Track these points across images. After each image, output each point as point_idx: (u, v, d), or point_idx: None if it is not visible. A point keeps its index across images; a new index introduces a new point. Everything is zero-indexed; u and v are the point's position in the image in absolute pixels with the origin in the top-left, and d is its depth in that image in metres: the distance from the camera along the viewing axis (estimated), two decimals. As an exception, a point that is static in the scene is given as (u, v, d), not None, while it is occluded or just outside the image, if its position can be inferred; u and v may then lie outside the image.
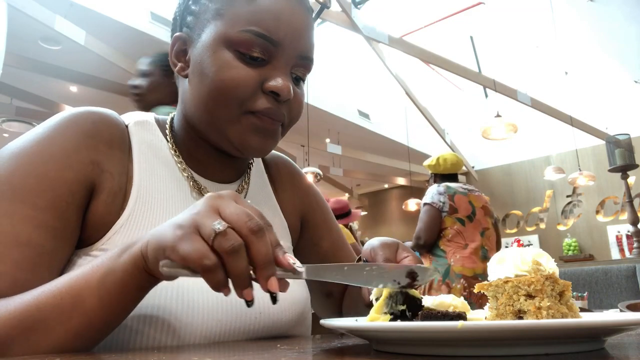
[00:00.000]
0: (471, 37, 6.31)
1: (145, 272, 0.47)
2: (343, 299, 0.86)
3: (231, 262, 0.42)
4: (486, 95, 6.87)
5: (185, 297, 0.58)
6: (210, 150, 0.70)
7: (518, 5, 5.68)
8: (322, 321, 0.49)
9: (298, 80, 0.67)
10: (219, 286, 0.43)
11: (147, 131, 0.69)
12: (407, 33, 5.91)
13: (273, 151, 0.89)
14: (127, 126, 0.67)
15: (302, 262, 0.88)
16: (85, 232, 0.59)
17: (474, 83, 5.77)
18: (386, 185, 10.99)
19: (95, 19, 4.64)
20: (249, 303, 0.44)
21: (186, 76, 0.67)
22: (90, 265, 0.49)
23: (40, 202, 0.55)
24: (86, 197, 0.60)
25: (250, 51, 0.61)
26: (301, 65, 0.66)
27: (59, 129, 0.60)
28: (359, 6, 5.41)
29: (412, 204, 7.74)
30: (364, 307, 0.78)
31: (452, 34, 6.15)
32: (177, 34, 0.68)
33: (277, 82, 0.62)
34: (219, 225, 0.42)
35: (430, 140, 7.90)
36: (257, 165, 0.82)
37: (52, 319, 0.47)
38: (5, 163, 0.57)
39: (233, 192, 0.47)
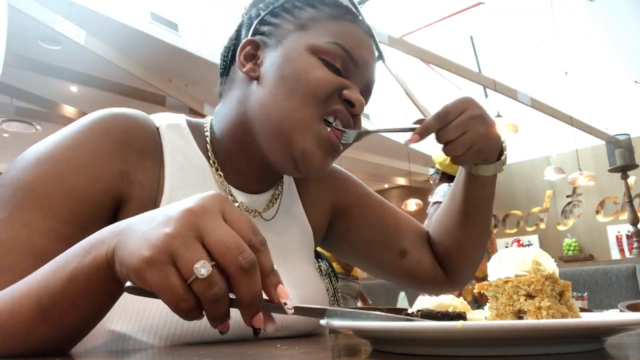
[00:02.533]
0: (471, 37, 6.31)
1: (112, 279, 0.41)
2: (423, 249, 0.85)
3: (211, 308, 0.37)
4: (486, 95, 6.87)
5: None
6: (254, 160, 0.69)
7: (518, 5, 5.68)
8: (322, 321, 0.49)
9: None
10: (190, 319, 0.38)
11: (179, 136, 0.67)
12: (407, 33, 5.91)
13: None
14: (158, 128, 0.66)
15: (358, 239, 0.87)
16: None
17: (474, 83, 5.77)
18: (386, 185, 10.99)
19: (95, 19, 4.64)
20: (223, 333, 0.39)
21: (255, 77, 0.66)
22: (56, 264, 0.44)
23: (61, 214, 0.53)
24: (112, 209, 0.58)
25: (334, 61, 0.64)
26: (365, 95, 0.70)
27: (89, 135, 0.58)
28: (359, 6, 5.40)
29: (412, 204, 7.74)
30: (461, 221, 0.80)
31: (452, 34, 6.15)
32: (250, 38, 0.68)
33: (354, 93, 0.64)
34: (203, 269, 0.35)
35: (430, 140, 7.89)
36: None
37: (12, 327, 0.42)
38: (30, 167, 0.54)
39: (220, 199, 0.40)
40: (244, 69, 0.67)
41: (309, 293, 0.70)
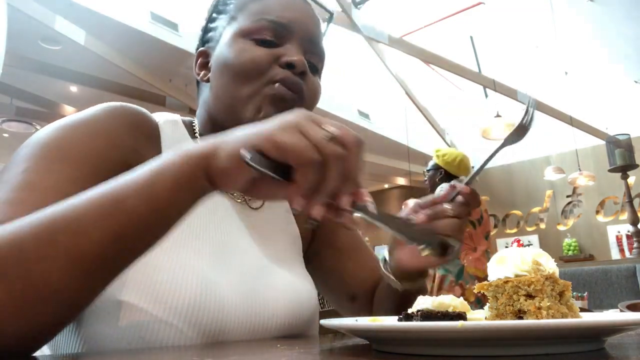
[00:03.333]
0: (471, 37, 6.31)
1: (204, 175, 0.44)
2: (372, 301, 0.86)
3: (332, 167, 0.42)
4: (486, 95, 6.87)
5: (207, 293, 0.58)
6: None
7: (518, 5, 5.67)
8: (322, 321, 0.49)
9: (313, 69, 0.71)
10: (308, 189, 0.42)
11: (175, 131, 0.71)
12: (407, 33, 5.91)
13: None
14: (157, 123, 0.70)
15: (318, 262, 0.87)
16: None
17: (474, 83, 5.77)
18: (386, 185, 10.99)
19: (95, 19, 4.64)
20: (315, 223, 0.44)
21: (208, 80, 0.71)
22: (137, 169, 0.46)
23: (85, 170, 0.55)
24: None
25: (263, 35, 0.67)
26: (313, 51, 0.71)
27: (103, 114, 0.61)
28: (359, 6, 5.41)
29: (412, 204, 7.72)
30: (396, 305, 0.76)
31: (452, 34, 6.15)
32: (200, 49, 0.75)
33: (292, 56, 0.66)
34: (333, 128, 0.42)
35: (430, 140, 7.90)
36: None
37: (89, 218, 0.42)
38: (54, 131, 0.57)
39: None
40: (199, 77, 0.74)
41: (297, 294, 0.70)
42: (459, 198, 0.66)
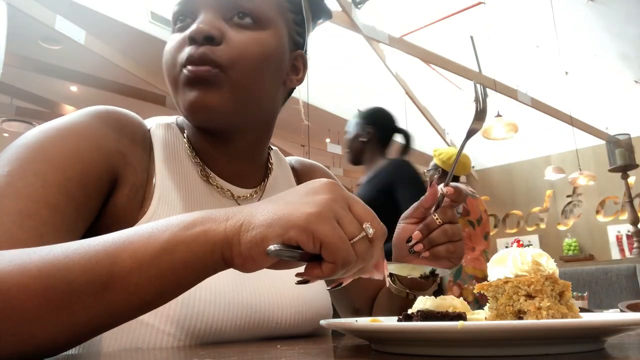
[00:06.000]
0: (471, 37, 6.31)
1: (221, 258, 0.40)
2: (372, 311, 0.87)
3: (359, 264, 0.41)
4: (486, 95, 6.87)
5: (214, 301, 0.58)
6: (216, 149, 0.70)
7: (518, 5, 5.67)
8: (322, 321, 0.49)
9: (242, 22, 0.64)
10: (319, 278, 0.41)
11: (169, 133, 0.69)
12: (407, 33, 5.90)
13: (307, 160, 0.89)
14: (149, 130, 0.68)
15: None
16: (102, 225, 0.58)
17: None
18: (386, 185, 10.97)
19: (95, 19, 4.64)
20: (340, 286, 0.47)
21: None
22: (143, 230, 0.41)
23: (70, 173, 0.53)
24: (109, 185, 0.59)
25: (177, 21, 0.66)
26: (229, 6, 0.64)
27: (87, 118, 0.60)
28: (359, 6, 5.40)
29: (412, 204, 7.73)
30: (397, 310, 0.76)
31: (452, 34, 6.14)
32: None
33: (190, 29, 0.62)
34: (371, 229, 0.41)
35: (430, 140, 7.90)
36: (284, 175, 0.81)
37: (82, 285, 0.38)
38: (36, 135, 0.55)
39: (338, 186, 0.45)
40: None
41: (309, 296, 0.70)
42: (446, 200, 0.68)
